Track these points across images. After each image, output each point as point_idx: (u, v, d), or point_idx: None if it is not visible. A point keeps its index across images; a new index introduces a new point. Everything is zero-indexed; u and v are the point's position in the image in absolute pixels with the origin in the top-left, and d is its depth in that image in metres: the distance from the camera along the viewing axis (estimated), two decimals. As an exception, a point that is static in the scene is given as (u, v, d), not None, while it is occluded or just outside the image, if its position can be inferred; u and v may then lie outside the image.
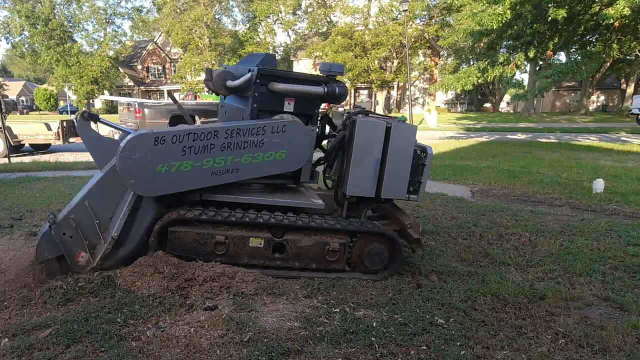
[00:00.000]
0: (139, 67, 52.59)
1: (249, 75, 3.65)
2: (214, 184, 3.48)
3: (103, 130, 10.78)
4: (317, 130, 4.04)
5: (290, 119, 3.66)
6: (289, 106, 3.81)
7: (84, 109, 4.05)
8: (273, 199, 3.78)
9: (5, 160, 11.59)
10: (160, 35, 52.26)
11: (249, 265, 3.59)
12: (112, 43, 44.62)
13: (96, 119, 4.00)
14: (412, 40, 37.15)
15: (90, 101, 46.73)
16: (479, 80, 15.02)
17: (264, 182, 3.91)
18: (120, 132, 4.23)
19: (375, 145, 3.74)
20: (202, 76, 42.34)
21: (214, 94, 3.96)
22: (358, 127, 3.72)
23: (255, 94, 3.70)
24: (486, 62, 14.78)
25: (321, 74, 3.89)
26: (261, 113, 3.77)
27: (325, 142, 4.52)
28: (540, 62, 29.50)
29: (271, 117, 3.75)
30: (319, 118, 4.13)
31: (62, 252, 3.42)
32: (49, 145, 14.09)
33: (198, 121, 10.11)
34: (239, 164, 3.47)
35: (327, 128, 4.39)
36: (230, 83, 3.73)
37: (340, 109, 4.72)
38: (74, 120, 4.50)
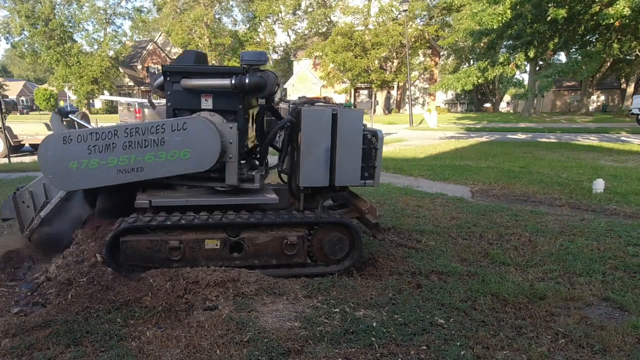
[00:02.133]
0: (139, 67, 52.58)
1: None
2: (122, 181, 3.47)
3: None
4: (240, 126, 3.68)
5: (192, 117, 3.54)
6: (206, 103, 3.66)
7: (59, 106, 4.53)
8: (226, 199, 3.72)
9: (5, 160, 11.59)
10: (160, 35, 52.26)
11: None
12: (112, 43, 44.62)
13: (65, 115, 4.28)
14: (412, 40, 37.16)
15: (91, 101, 46.74)
16: (479, 80, 15.03)
17: (190, 184, 3.81)
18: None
19: (323, 133, 3.69)
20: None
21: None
22: (304, 117, 3.65)
23: (168, 92, 3.62)
24: (486, 62, 14.79)
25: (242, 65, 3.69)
26: (180, 112, 3.68)
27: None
28: (541, 62, 29.52)
29: (190, 115, 3.64)
30: (258, 113, 3.97)
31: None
32: (49, 145, 14.05)
33: None
34: (143, 163, 3.44)
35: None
36: (154, 83, 3.75)
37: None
38: (73, 119, 4.92)
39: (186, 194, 3.76)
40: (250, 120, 3.95)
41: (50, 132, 4.32)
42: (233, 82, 3.51)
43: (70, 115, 4.44)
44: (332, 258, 3.80)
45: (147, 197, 3.59)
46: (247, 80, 3.52)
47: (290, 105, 3.99)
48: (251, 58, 3.60)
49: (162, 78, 3.72)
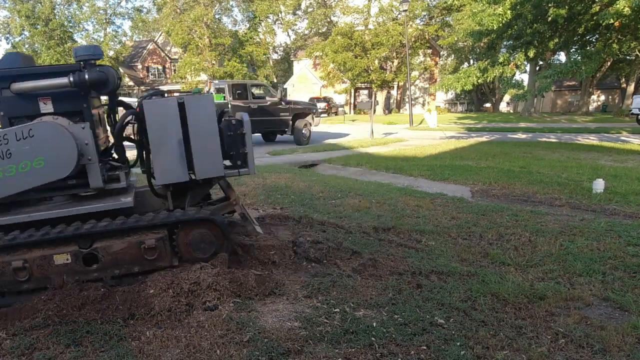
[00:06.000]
0: (139, 67, 52.59)
1: None
2: None
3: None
4: (91, 126, 3.43)
5: (36, 122, 3.25)
6: (46, 107, 3.37)
7: None
8: (74, 209, 3.40)
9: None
10: (160, 35, 52.28)
11: (64, 284, 3.19)
12: (112, 43, 44.67)
13: None
14: (412, 40, 37.18)
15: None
16: (479, 80, 15.03)
17: (48, 196, 3.52)
18: None
19: (171, 125, 3.43)
20: (202, 76, 42.19)
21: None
22: (146, 110, 3.40)
23: None
24: (486, 62, 14.79)
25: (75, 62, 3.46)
26: (18, 120, 3.32)
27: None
28: (541, 62, 29.53)
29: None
30: (109, 111, 3.77)
31: None
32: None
33: None
34: None
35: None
36: None
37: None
38: None
39: (32, 209, 3.43)
40: (99, 119, 3.73)
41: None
42: (71, 79, 3.27)
43: None
44: (201, 257, 3.55)
45: None
46: (86, 76, 3.28)
47: (139, 99, 3.73)
48: (85, 53, 3.40)
49: None
